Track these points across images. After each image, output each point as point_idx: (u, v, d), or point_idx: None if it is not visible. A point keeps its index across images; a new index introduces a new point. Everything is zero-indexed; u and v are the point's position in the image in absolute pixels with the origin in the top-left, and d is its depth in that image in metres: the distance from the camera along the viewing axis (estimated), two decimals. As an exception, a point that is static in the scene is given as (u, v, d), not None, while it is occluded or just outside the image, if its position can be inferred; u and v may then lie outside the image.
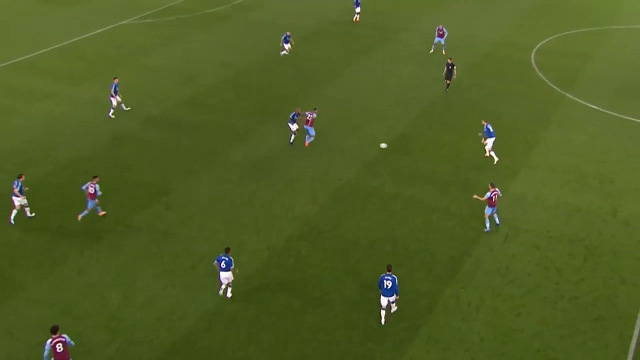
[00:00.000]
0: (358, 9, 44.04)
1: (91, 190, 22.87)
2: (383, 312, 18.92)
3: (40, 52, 38.65)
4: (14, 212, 23.03)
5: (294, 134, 27.96)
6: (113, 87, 30.31)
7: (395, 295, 18.79)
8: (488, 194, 22.54)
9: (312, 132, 27.75)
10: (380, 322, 18.90)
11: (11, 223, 22.94)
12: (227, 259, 19.54)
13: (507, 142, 28.56)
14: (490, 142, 26.82)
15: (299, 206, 24.15)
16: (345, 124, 30.06)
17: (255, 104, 32.09)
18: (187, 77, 35.14)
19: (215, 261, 19.73)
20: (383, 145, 28.07)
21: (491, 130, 26.78)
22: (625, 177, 26.20)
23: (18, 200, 22.88)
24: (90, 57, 37.99)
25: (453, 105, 31.94)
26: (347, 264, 21.30)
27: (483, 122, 27.19)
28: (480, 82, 34.65)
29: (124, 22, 43.87)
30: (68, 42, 40.28)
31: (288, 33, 38.16)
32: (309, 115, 27.67)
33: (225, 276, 19.60)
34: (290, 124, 27.80)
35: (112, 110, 30.57)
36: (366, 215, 23.65)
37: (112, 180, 25.69)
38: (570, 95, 33.07)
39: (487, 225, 22.83)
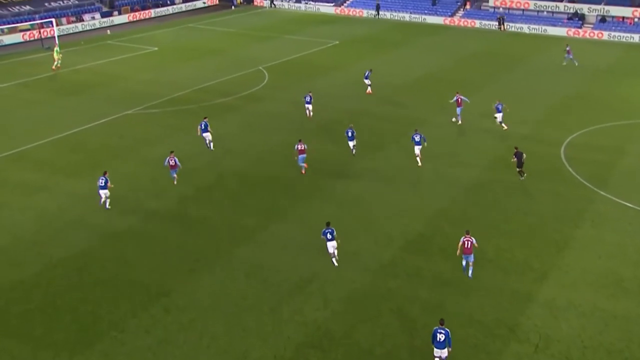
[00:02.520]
0: (368, 81, 49.95)
1: (172, 162, 33.64)
2: None
3: (38, 142, 40.03)
4: (103, 200, 31.61)
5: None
6: (203, 125, 38.57)
7: (448, 349, 20.83)
8: (461, 239, 26.01)
9: (301, 161, 35.09)
10: None
11: (107, 208, 31.55)
12: (331, 230, 26.73)
13: (535, 242, 28.73)
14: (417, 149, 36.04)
15: (310, 311, 24.19)
16: (359, 222, 30.48)
17: (264, 199, 32.73)
18: (192, 170, 36.03)
19: (322, 235, 26.68)
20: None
21: (417, 139, 36.08)
22: (666, 281, 26.09)
23: (104, 193, 31.45)
24: (90, 147, 39.27)
25: (476, 202, 32.37)
26: (361, 376, 21.09)
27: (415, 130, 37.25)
28: (506, 177, 35.22)
29: (128, 112, 45.57)
30: (68, 132, 41.76)
31: (310, 94, 43.51)
32: (299, 146, 34.95)
33: (332, 245, 26.69)
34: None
35: (210, 145, 38.90)
36: (382, 322, 23.60)
37: (107, 278, 25.99)
38: (602, 192, 33.46)
39: (467, 269, 26.23)
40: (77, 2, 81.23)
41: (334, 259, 26.91)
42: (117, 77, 54.68)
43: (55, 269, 26.74)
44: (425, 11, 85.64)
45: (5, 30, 69.82)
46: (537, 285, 25.71)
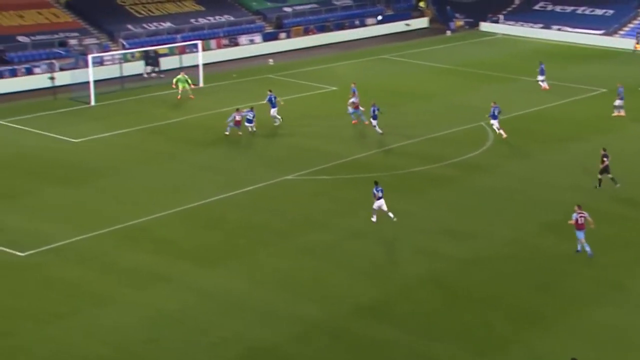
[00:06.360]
0: (541, 77, 67.19)
1: None
2: None
3: (161, 214, 41.86)
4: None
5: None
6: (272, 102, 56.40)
7: None
8: (574, 215, 36.06)
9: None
10: None
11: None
12: (379, 188, 39.84)
13: None
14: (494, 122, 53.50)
15: None
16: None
17: (474, 321, 32.02)
18: (373, 268, 36.22)
19: (374, 191, 39.83)
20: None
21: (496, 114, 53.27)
22: None
23: (250, 127, 54.19)
24: (230, 225, 40.76)
25: None
26: None
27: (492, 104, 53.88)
28: None
29: (287, 177, 47.04)
30: (203, 201, 43.48)
31: (353, 86, 57.66)
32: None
33: (379, 204, 39.66)
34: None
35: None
36: None
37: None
38: None
39: (578, 246, 36.84)
40: (232, 18, 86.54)
41: (390, 213, 39.65)
42: (278, 126, 56.83)
43: None
44: None
45: (137, 54, 75.37)
46: None
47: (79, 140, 54.04)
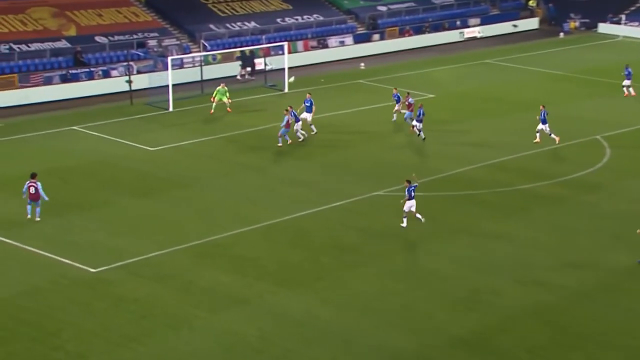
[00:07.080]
0: (627, 82, 66.96)
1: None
2: None
3: (247, 228, 42.18)
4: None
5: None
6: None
7: None
8: None
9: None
10: None
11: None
12: (413, 187, 41.55)
13: None
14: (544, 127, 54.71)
15: None
16: None
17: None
18: (471, 297, 35.90)
19: (406, 192, 41.63)
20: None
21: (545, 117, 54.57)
22: None
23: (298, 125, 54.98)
24: (315, 243, 40.96)
25: None
26: None
27: (541, 107, 54.90)
28: None
29: (378, 192, 46.99)
30: (286, 217, 43.76)
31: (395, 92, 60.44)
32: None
33: (410, 205, 41.62)
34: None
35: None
36: None
37: None
38: None
39: None
40: (321, 18, 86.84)
41: (418, 215, 41.58)
42: (368, 137, 57.08)
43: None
44: None
45: (218, 56, 76.13)
46: None
47: (155, 148, 54.90)
